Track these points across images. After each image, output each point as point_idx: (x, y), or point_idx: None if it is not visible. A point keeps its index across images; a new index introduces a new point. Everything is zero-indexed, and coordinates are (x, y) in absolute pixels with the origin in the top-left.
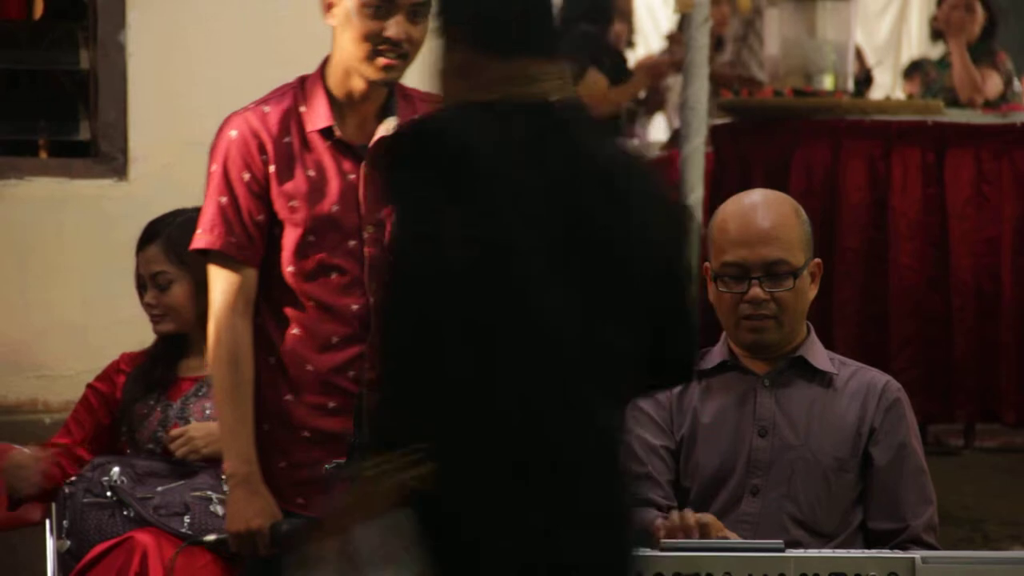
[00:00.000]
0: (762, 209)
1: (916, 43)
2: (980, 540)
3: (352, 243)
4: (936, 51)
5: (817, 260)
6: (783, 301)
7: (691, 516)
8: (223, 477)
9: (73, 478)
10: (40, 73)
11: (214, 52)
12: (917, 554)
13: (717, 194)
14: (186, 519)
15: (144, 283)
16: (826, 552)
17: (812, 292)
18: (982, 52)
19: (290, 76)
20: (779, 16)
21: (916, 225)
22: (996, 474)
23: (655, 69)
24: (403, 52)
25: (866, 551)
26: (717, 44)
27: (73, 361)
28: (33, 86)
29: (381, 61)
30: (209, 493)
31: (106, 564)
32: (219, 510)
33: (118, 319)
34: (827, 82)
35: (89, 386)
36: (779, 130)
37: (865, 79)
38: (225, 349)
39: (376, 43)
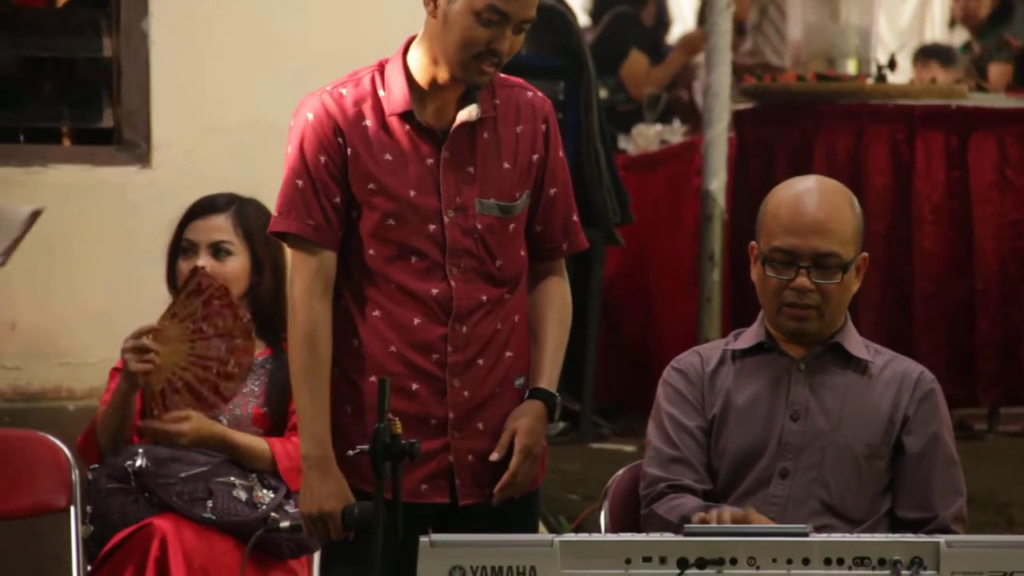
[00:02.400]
0: (818, 198)
1: (939, 28)
2: (1004, 524)
3: (432, 227)
4: (958, 37)
5: (864, 254)
6: (828, 293)
7: (727, 515)
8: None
9: (95, 464)
10: (63, 61)
11: (236, 40)
12: (942, 539)
13: (740, 179)
14: (209, 504)
15: (190, 250)
16: (850, 537)
17: (856, 285)
18: (994, 42)
19: (309, 64)
20: (802, 1)
21: (940, 209)
22: (1020, 458)
23: (690, 45)
24: (501, 62)
25: (890, 535)
26: (739, 31)
27: (97, 348)
28: (56, 74)
29: (481, 67)
30: (232, 479)
31: (125, 551)
32: (242, 495)
33: (142, 306)
34: (850, 66)
35: (114, 370)
36: (802, 115)
37: (889, 63)
38: (303, 331)
39: (481, 51)
